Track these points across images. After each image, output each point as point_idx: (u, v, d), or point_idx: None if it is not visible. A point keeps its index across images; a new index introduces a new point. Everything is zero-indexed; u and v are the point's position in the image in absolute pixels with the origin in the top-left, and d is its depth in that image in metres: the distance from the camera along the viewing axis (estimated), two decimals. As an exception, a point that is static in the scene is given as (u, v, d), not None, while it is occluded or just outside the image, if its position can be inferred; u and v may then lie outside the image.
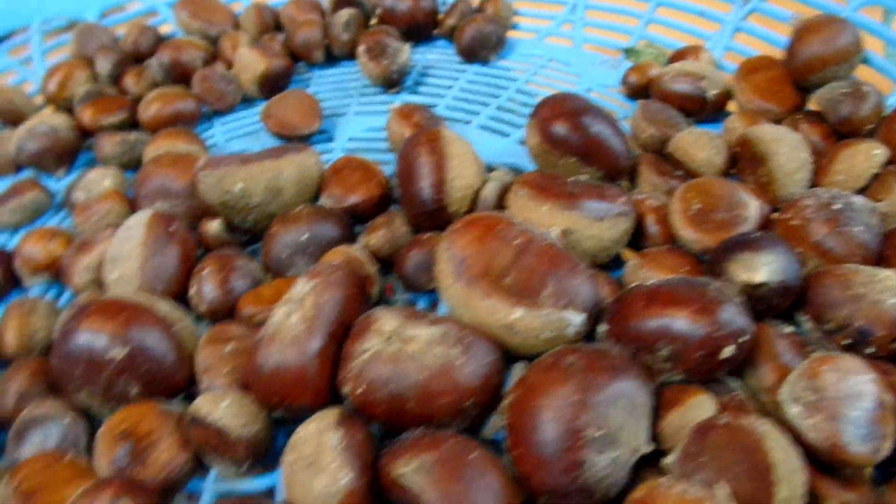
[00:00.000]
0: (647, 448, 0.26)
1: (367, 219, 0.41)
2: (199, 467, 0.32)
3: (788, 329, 0.30)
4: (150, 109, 0.52)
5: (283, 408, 0.30)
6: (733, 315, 0.27)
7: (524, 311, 0.29)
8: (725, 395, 0.28)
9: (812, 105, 0.43)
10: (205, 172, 0.39)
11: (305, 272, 0.32)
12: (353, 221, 0.42)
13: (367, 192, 0.41)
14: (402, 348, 0.28)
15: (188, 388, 0.34)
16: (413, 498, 0.25)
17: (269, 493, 0.31)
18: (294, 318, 0.30)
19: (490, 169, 0.40)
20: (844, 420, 0.25)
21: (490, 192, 0.37)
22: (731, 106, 0.46)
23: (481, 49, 0.56)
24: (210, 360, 0.33)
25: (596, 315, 0.31)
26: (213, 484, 0.32)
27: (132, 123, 0.53)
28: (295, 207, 0.40)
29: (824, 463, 0.26)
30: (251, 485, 0.31)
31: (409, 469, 0.25)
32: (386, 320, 0.29)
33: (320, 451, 0.26)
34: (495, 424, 0.32)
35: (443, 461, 0.25)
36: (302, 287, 0.31)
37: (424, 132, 0.39)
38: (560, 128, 0.37)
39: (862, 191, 0.36)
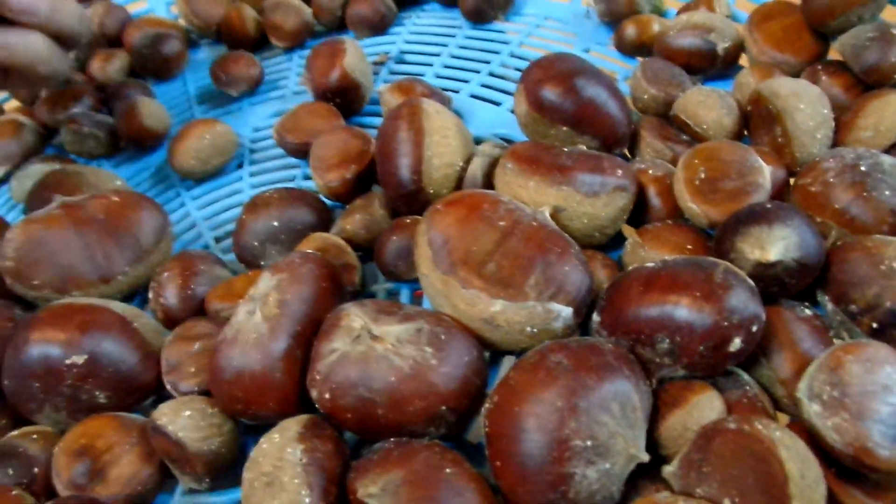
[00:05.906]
0: (643, 457, 0.23)
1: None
2: (169, 479, 0.30)
3: (809, 311, 0.27)
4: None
5: (247, 415, 0.28)
6: (744, 301, 0.24)
7: (505, 303, 0.26)
8: (736, 390, 0.25)
9: (833, 54, 0.38)
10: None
11: (269, 266, 0.29)
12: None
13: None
14: (371, 347, 0.25)
15: (160, 389, 0.32)
16: (380, 523, 0.22)
17: (236, 507, 0.29)
18: (257, 318, 0.27)
19: (479, 142, 0.37)
20: (872, 418, 0.22)
21: (476, 168, 0.34)
22: (744, 60, 0.42)
23: (489, 9, 0.52)
24: (176, 359, 0.31)
25: (588, 305, 0.28)
26: (179, 498, 0.29)
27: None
28: None
29: (849, 468, 0.22)
30: (215, 500, 0.29)
31: (375, 490, 0.22)
32: (354, 316, 0.26)
33: (281, 468, 0.24)
34: (480, 428, 0.30)
35: (411, 480, 0.22)
36: (266, 283, 0.29)
37: (404, 105, 0.36)
38: (550, 93, 0.33)
39: (891, 149, 0.32)
